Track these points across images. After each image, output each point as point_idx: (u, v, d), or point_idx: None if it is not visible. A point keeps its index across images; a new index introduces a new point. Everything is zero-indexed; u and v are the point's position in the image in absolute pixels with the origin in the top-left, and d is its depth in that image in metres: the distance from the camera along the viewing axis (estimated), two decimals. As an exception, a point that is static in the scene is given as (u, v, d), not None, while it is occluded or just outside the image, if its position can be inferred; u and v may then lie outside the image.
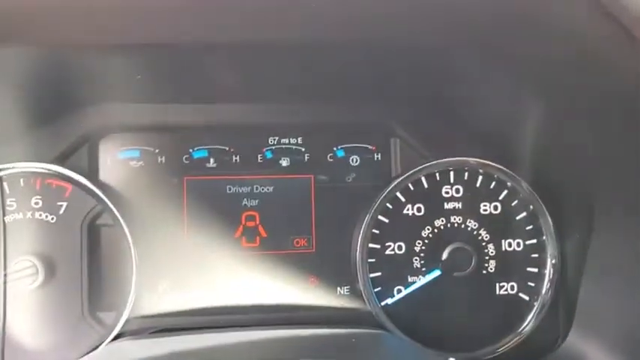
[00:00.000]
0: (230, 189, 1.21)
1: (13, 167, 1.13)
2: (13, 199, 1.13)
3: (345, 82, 1.15)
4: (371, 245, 1.19)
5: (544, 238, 1.20)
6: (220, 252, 1.19)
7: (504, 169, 1.20)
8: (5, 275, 1.10)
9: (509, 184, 1.20)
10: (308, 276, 1.21)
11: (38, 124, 1.14)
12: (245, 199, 1.21)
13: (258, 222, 1.21)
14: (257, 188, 1.22)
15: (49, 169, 1.13)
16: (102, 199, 1.13)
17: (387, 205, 1.19)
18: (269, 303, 1.19)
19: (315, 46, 0.97)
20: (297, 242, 1.22)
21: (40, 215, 1.14)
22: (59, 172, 1.13)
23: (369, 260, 1.18)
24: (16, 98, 1.08)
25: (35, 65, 1.02)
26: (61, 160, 1.15)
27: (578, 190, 1.11)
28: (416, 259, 1.19)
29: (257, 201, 1.21)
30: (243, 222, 1.21)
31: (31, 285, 1.11)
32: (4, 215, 1.13)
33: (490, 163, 1.20)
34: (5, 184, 1.13)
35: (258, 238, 1.20)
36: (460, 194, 1.21)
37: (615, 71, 0.81)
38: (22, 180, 1.14)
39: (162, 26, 0.88)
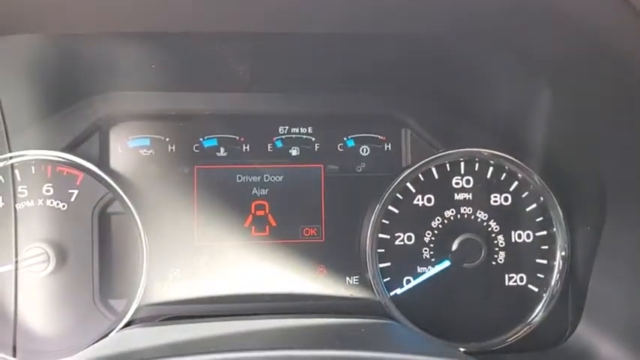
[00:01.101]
0: (240, 178, 1.21)
1: (24, 155, 1.13)
2: (25, 187, 1.14)
3: (356, 74, 1.15)
4: (380, 235, 1.19)
5: (554, 229, 1.19)
6: (230, 241, 1.19)
7: (515, 160, 1.19)
8: (17, 262, 1.11)
9: (519, 175, 1.20)
10: (317, 265, 1.21)
11: (49, 113, 1.14)
12: (255, 189, 1.21)
13: (267, 211, 1.21)
14: (267, 177, 1.22)
15: (60, 157, 1.13)
16: (113, 187, 1.14)
17: (397, 195, 1.19)
18: (278, 292, 1.19)
19: (327, 38, 0.97)
20: (307, 232, 1.22)
21: (52, 203, 1.14)
22: (70, 160, 1.14)
23: (379, 250, 1.19)
24: (28, 87, 1.09)
25: (46, 54, 1.02)
26: (72, 148, 1.15)
27: (589, 181, 1.10)
28: (425, 250, 1.19)
29: (267, 190, 1.21)
30: (253, 211, 1.21)
31: (43, 272, 1.12)
32: (15, 203, 1.13)
33: (501, 154, 1.19)
34: (17, 172, 1.14)
35: (267, 227, 1.21)
36: (470, 185, 1.21)
37: (625, 60, 0.81)
38: (33, 167, 1.14)
39: (175, 15, 0.88)
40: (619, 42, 0.78)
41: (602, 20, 0.73)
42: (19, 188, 1.14)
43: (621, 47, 0.79)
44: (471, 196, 1.20)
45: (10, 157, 1.12)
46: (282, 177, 1.22)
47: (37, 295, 1.14)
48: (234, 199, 1.20)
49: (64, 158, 1.13)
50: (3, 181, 1.13)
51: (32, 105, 1.11)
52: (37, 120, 1.14)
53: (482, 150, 1.19)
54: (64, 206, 1.14)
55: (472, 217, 1.20)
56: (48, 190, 1.14)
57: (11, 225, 1.10)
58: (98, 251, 1.14)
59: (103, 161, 1.16)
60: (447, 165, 1.20)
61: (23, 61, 1.03)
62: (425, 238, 1.19)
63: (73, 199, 1.14)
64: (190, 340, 0.93)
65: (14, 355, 1.11)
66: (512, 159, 1.19)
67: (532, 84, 1.04)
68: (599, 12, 0.71)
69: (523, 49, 0.95)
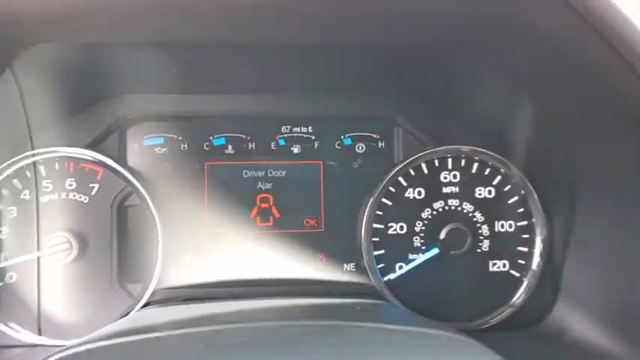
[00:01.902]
0: (246, 173, 1.31)
1: (49, 152, 1.23)
2: (49, 181, 1.24)
3: (353, 78, 1.25)
4: (375, 225, 1.28)
5: (534, 220, 1.29)
6: (237, 230, 1.29)
7: (498, 156, 1.29)
8: (41, 250, 1.21)
9: (502, 170, 1.30)
10: (317, 253, 1.31)
11: (72, 113, 1.24)
12: (260, 183, 1.31)
13: (271, 203, 1.31)
14: (271, 173, 1.32)
15: (82, 154, 1.24)
16: (130, 181, 1.24)
17: (390, 188, 1.29)
18: (280, 277, 1.29)
19: (327, 46, 1.07)
20: (307, 222, 1.32)
21: (74, 196, 1.24)
22: (91, 157, 1.24)
23: (374, 239, 1.28)
24: (53, 90, 1.18)
25: (70, 60, 1.12)
26: (92, 146, 1.25)
27: (564, 175, 1.20)
28: (416, 239, 1.29)
29: (271, 184, 1.31)
30: (258, 203, 1.31)
31: (65, 259, 1.21)
32: (37, 195, 1.24)
33: (485, 151, 1.29)
34: (42, 168, 1.24)
35: (271, 218, 1.31)
36: (457, 179, 1.30)
37: (589, 69, 0.90)
38: (57, 164, 1.24)
39: (190, 25, 0.98)
40: (579, 52, 0.88)
41: (560, 31, 0.83)
42: (44, 182, 1.24)
43: (583, 58, 0.88)
44: (457, 189, 1.30)
45: (34, 155, 1.22)
46: (284, 172, 1.32)
47: (60, 281, 1.23)
48: (241, 192, 1.30)
49: (85, 155, 1.24)
50: (29, 176, 1.23)
51: (57, 106, 1.21)
52: (62, 120, 1.23)
53: (468, 147, 1.29)
54: (85, 199, 1.24)
55: (459, 208, 1.30)
56: (71, 185, 1.24)
57: (36, 216, 1.21)
58: (117, 240, 1.24)
59: (121, 158, 1.26)
60: (436, 161, 1.30)
61: (49, 67, 1.11)
62: (416, 228, 1.29)
63: (93, 193, 1.24)
64: (201, 316, 1.03)
65: (39, 334, 1.21)
66: (496, 155, 1.29)
67: (510, 89, 1.14)
68: (557, 25, 0.82)
69: (498, 58, 1.05)
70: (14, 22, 0.87)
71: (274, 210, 1.31)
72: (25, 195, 1.23)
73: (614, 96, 0.90)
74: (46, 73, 1.14)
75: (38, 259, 1.21)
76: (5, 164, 1.22)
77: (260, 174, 1.31)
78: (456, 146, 1.29)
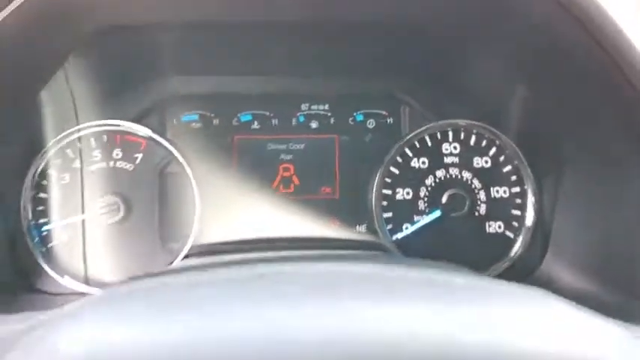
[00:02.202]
0: (270, 146, 1.47)
1: (99, 125, 1.39)
2: (98, 151, 1.40)
3: (365, 60, 1.41)
4: (384, 191, 1.43)
5: (526, 187, 1.42)
6: (262, 196, 1.45)
7: (494, 129, 1.43)
8: (88, 212, 1.37)
9: (497, 142, 1.44)
10: (332, 217, 1.46)
11: (120, 91, 1.41)
12: (282, 154, 1.47)
13: (292, 173, 1.47)
14: (292, 146, 1.48)
15: (128, 128, 1.40)
16: (170, 151, 1.40)
17: (398, 159, 1.44)
18: (299, 236, 1.44)
19: (344, 29, 1.24)
20: (324, 190, 1.48)
21: (120, 164, 1.40)
22: (136, 130, 1.40)
23: (383, 203, 1.43)
24: (105, 71, 1.36)
25: (116, 43, 1.27)
26: (137, 121, 1.41)
27: (553, 146, 1.34)
28: (420, 202, 1.43)
29: (291, 156, 1.47)
30: (281, 172, 1.46)
31: (112, 219, 1.36)
32: (82, 165, 1.39)
33: (482, 124, 1.43)
34: (92, 139, 1.40)
35: (292, 185, 1.47)
36: (457, 150, 1.44)
37: (577, 50, 1.01)
38: (105, 136, 1.40)
39: (225, 7, 1.13)
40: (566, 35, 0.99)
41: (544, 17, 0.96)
42: (94, 152, 1.40)
43: (570, 40, 0.98)
44: (457, 159, 1.44)
45: (85, 128, 1.40)
46: (303, 145, 1.48)
47: (107, 240, 1.38)
48: (265, 162, 1.47)
49: (131, 129, 1.41)
50: (80, 146, 1.40)
51: (107, 84, 1.38)
52: (110, 98, 1.40)
53: (466, 121, 1.44)
54: (130, 167, 1.41)
55: (459, 176, 1.44)
56: (117, 154, 1.41)
57: (83, 182, 1.38)
58: (158, 203, 1.40)
59: (162, 132, 1.43)
60: (438, 134, 1.45)
61: (97, 49, 1.26)
62: (420, 193, 1.44)
63: (137, 162, 1.41)
64: (231, 260, 1.18)
65: (87, 284, 1.37)
66: (491, 129, 1.43)
67: (506, 72, 1.28)
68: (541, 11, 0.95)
69: (494, 44, 1.18)
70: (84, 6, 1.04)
71: (295, 178, 1.47)
72: (76, 164, 1.39)
73: (599, 72, 0.99)
74: (98, 57, 1.31)
75: (84, 221, 1.37)
76: (59, 137, 1.38)
77: (282, 147, 1.48)
78: (456, 120, 1.45)
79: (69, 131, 1.38)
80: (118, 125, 1.40)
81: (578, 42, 0.94)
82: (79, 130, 1.39)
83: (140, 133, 1.41)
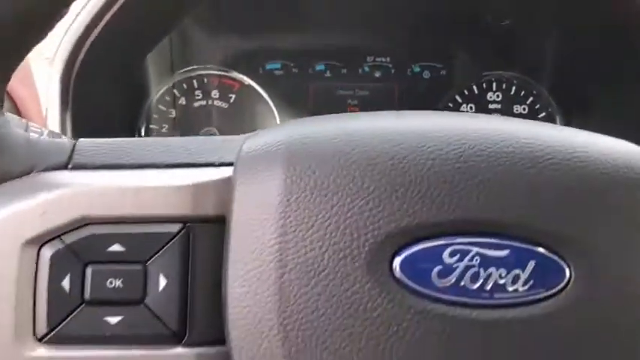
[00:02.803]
0: (339, 92, 1.72)
1: (200, 69, 1.68)
2: (200, 91, 1.69)
3: (422, 18, 1.67)
4: (437, 131, 1.70)
5: (558, 130, 1.69)
6: (333, 133, 1.73)
7: (531, 80, 1.65)
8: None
9: (534, 91, 1.67)
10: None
11: (220, 42, 1.70)
12: (349, 99, 1.71)
13: (358, 114, 1.74)
14: (357, 92, 1.71)
15: (224, 72, 1.69)
16: (258, 91, 1.69)
17: (449, 104, 1.68)
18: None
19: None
20: None
21: (217, 103, 1.70)
22: (231, 75, 1.69)
23: (436, 140, 1.69)
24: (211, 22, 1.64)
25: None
26: (232, 67, 1.71)
27: (582, 92, 1.61)
28: (467, 142, 1.70)
29: (357, 101, 1.71)
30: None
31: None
32: (186, 102, 1.69)
33: (521, 75, 1.65)
34: (195, 81, 1.70)
35: (358, 125, 1.74)
36: (500, 98, 1.67)
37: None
38: (205, 79, 1.69)
39: None
40: None
41: None
42: (196, 92, 1.70)
43: None
44: (500, 106, 1.67)
45: (190, 71, 1.69)
46: (368, 92, 1.72)
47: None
48: (336, 104, 1.70)
49: (227, 73, 1.69)
50: (185, 87, 1.70)
51: (212, 34, 1.67)
52: (211, 44, 1.68)
53: (508, 73, 1.66)
54: (225, 105, 1.70)
55: (500, 120, 1.70)
56: (215, 94, 1.68)
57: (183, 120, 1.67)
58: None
59: (252, 76, 1.72)
60: (483, 84, 1.67)
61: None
62: (468, 133, 1.70)
63: (232, 101, 1.70)
64: None
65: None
66: (529, 80, 1.66)
67: (544, 28, 1.56)
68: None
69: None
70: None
71: (360, 119, 1.74)
72: (182, 101, 1.69)
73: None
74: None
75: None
76: (169, 78, 1.68)
77: (349, 92, 1.71)
78: (499, 72, 1.68)
79: (177, 72, 1.68)
80: (217, 69, 1.69)
81: None
82: (185, 73, 1.68)
83: (234, 77, 1.69)
